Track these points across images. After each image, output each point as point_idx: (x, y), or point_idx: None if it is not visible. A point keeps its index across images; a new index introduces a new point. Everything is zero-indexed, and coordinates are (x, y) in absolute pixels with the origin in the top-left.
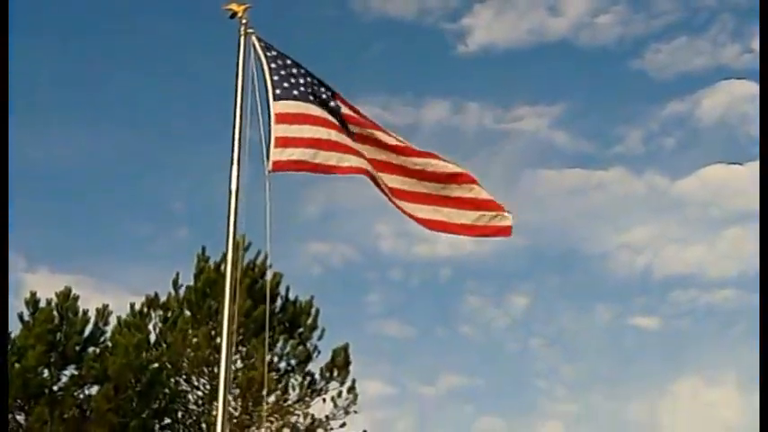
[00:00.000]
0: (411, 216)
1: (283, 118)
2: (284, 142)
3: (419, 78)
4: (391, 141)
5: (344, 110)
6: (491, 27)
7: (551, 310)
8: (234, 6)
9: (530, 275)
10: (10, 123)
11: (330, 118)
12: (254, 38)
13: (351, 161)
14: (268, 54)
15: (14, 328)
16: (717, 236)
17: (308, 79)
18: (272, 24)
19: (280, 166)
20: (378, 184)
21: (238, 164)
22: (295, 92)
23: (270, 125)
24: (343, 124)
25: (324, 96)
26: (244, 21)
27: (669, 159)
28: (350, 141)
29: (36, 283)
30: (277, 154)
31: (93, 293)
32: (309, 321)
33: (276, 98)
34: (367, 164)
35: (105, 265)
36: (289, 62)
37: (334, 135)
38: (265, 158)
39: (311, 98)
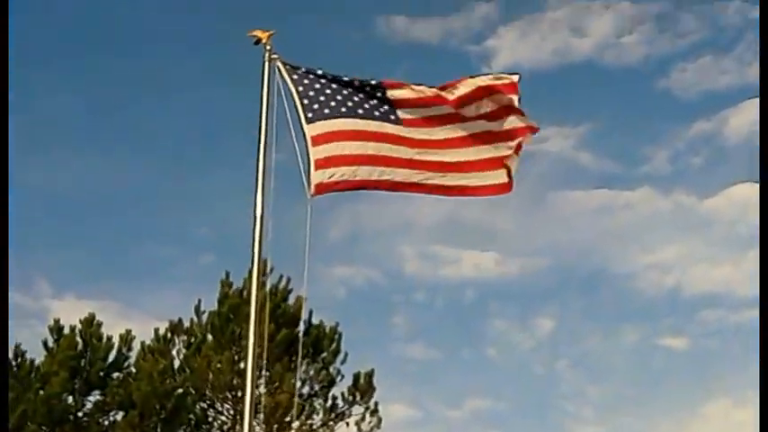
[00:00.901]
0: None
1: (319, 139)
2: (324, 163)
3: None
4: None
5: (392, 94)
6: (515, 48)
7: (577, 332)
8: (258, 33)
9: (555, 296)
10: (38, 151)
11: (366, 127)
12: (279, 63)
13: (390, 175)
14: (294, 77)
15: (38, 355)
16: (744, 255)
17: (339, 90)
18: (297, 48)
19: (322, 189)
20: (412, 187)
21: (263, 190)
22: (326, 110)
23: (306, 149)
24: (386, 117)
25: (357, 99)
26: (268, 47)
27: (696, 178)
28: (389, 149)
29: (62, 309)
30: (318, 176)
31: (119, 319)
32: (333, 346)
33: (309, 121)
34: (407, 173)
35: (131, 290)
36: (316, 78)
37: (372, 147)
38: (305, 182)
39: (343, 110)
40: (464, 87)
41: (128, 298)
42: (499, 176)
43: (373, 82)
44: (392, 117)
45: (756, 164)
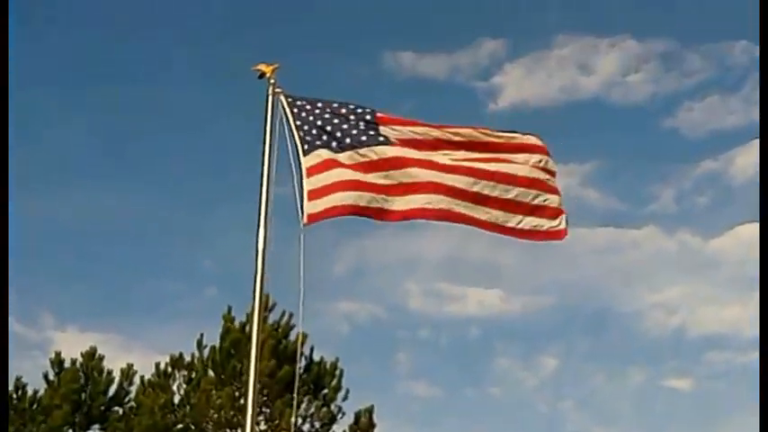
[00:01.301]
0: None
1: (312, 171)
2: (316, 194)
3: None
4: (450, 138)
5: (390, 131)
6: (522, 85)
7: (582, 371)
8: (263, 67)
9: (560, 335)
10: (42, 182)
11: (360, 160)
12: (281, 97)
13: (382, 203)
14: (294, 110)
15: (40, 387)
16: (751, 295)
17: (331, 120)
18: (304, 82)
19: (314, 218)
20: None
21: (265, 224)
22: (318, 142)
23: (301, 181)
24: (375, 140)
25: (354, 132)
26: (272, 81)
27: (702, 218)
28: (383, 179)
29: (65, 341)
30: (310, 207)
31: (122, 352)
32: (334, 383)
33: (305, 153)
34: (402, 203)
35: (135, 323)
36: (316, 109)
37: (361, 176)
38: (300, 214)
39: (334, 145)
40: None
41: (131, 331)
42: (545, 222)
43: (368, 117)
44: (381, 139)
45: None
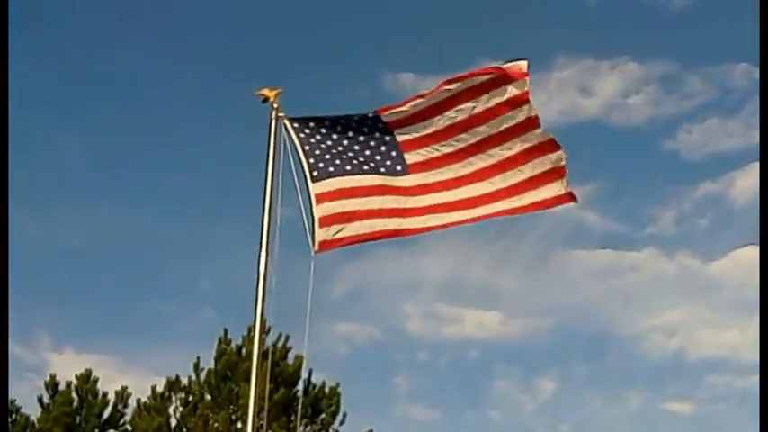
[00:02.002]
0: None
1: (323, 197)
2: (328, 221)
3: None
4: (457, 119)
5: (400, 137)
6: None
7: (581, 395)
8: (266, 92)
9: (559, 358)
10: (38, 201)
11: (371, 182)
12: (285, 121)
13: (392, 224)
14: (301, 135)
15: (34, 411)
16: (751, 319)
17: (345, 144)
18: (305, 104)
19: (326, 246)
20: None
21: (267, 248)
22: (331, 168)
23: (310, 207)
24: (393, 170)
25: (366, 153)
26: (275, 105)
27: (702, 241)
28: (395, 200)
29: (61, 362)
30: (322, 234)
31: (118, 374)
32: (332, 407)
33: (314, 180)
34: (410, 221)
35: (132, 345)
36: (324, 134)
37: (376, 202)
38: (310, 240)
39: (348, 168)
40: (467, 84)
41: (128, 352)
42: (548, 191)
43: (370, 115)
44: (398, 168)
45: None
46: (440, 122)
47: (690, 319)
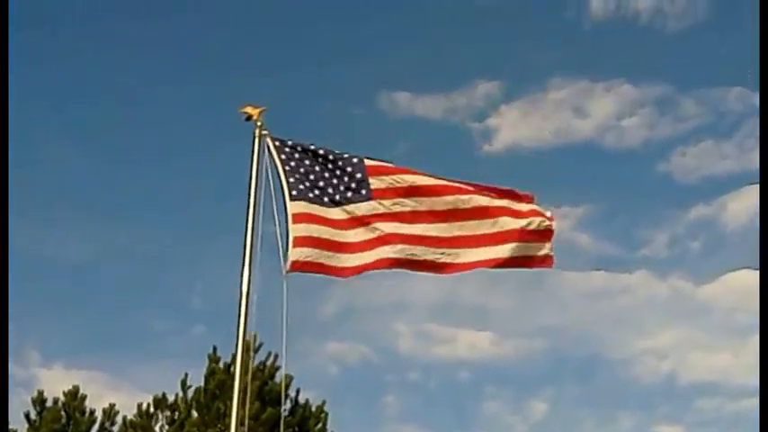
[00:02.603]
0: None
1: (301, 218)
2: (302, 242)
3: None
4: (428, 182)
5: (373, 184)
6: (517, 127)
7: (572, 417)
8: (249, 110)
9: (550, 380)
10: (29, 218)
11: (345, 216)
12: (268, 140)
13: (364, 258)
14: (282, 156)
15: (21, 428)
16: (743, 343)
17: (322, 173)
18: (300, 120)
19: (297, 267)
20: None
21: (250, 266)
22: (311, 194)
23: (287, 225)
24: (359, 195)
25: (336, 183)
26: (258, 123)
27: (694, 264)
28: (366, 234)
29: (50, 378)
30: (295, 254)
31: (108, 390)
32: (319, 426)
33: (292, 198)
34: (384, 252)
35: (122, 361)
36: (305, 158)
37: (351, 235)
38: (282, 259)
39: (326, 200)
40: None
41: (117, 369)
42: (532, 249)
43: (358, 168)
44: (363, 192)
45: (755, 251)
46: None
47: (681, 342)
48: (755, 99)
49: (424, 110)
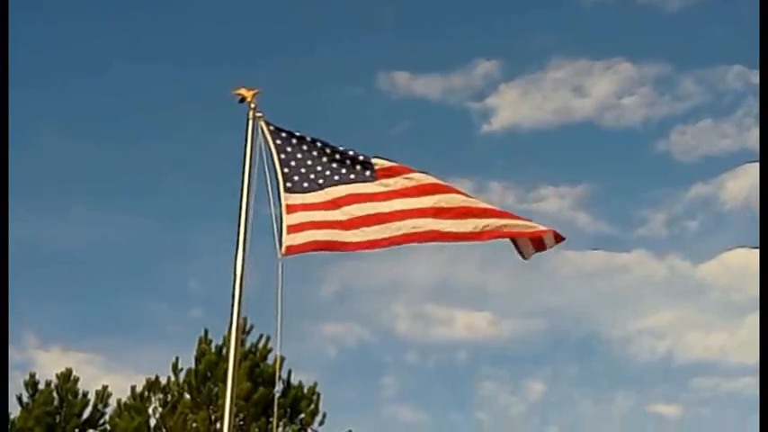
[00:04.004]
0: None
1: (295, 209)
2: (296, 229)
3: (444, 157)
4: (428, 181)
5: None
6: (516, 107)
7: (569, 397)
8: (243, 91)
9: (548, 360)
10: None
11: (339, 193)
12: (262, 123)
13: (359, 235)
14: (278, 142)
15: (14, 410)
16: (739, 322)
17: (318, 158)
18: (301, 101)
19: (292, 250)
20: (393, 241)
21: (244, 248)
22: (305, 184)
23: (280, 212)
24: (362, 176)
25: (334, 166)
26: (252, 105)
27: (692, 243)
28: (360, 210)
29: (48, 361)
30: (289, 240)
31: (106, 372)
32: (311, 407)
33: (287, 190)
34: (379, 231)
35: (119, 343)
36: (297, 145)
37: (342, 212)
38: (277, 245)
39: (321, 182)
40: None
41: (115, 352)
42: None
43: (361, 158)
44: (367, 173)
45: (753, 229)
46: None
47: (679, 322)
48: (755, 77)
49: (424, 89)
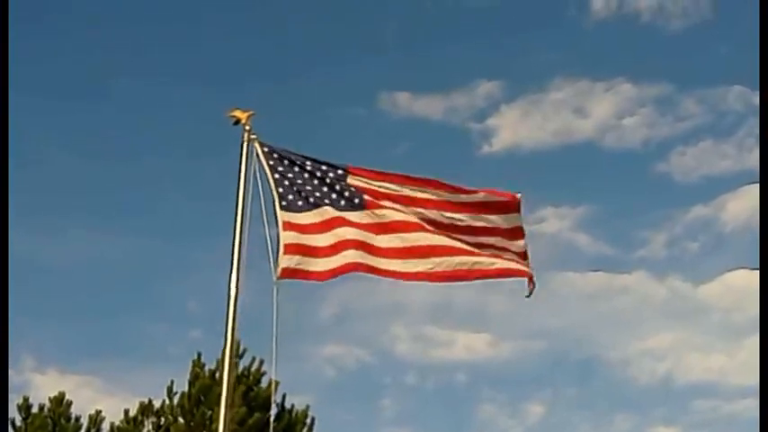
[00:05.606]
0: (421, 276)
1: (291, 227)
2: (293, 249)
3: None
4: (421, 196)
5: (361, 183)
6: (517, 127)
7: (568, 420)
8: (238, 114)
9: (547, 382)
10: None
11: (331, 215)
12: (256, 144)
13: (348, 258)
14: (270, 162)
15: None
16: (740, 343)
17: (312, 181)
18: (302, 121)
19: (287, 274)
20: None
21: (238, 270)
22: (300, 202)
23: (277, 233)
24: (352, 204)
25: (324, 189)
26: (247, 127)
27: (692, 264)
28: (353, 232)
29: (44, 383)
30: (285, 261)
31: (103, 395)
32: (304, 429)
33: (283, 208)
34: (366, 256)
35: (117, 365)
36: (291, 165)
37: (336, 236)
38: (273, 266)
39: (311, 201)
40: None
41: (113, 373)
42: (515, 264)
43: (340, 172)
44: (356, 201)
45: (753, 250)
46: (402, 190)
47: (679, 343)
48: (755, 98)
49: (425, 110)
